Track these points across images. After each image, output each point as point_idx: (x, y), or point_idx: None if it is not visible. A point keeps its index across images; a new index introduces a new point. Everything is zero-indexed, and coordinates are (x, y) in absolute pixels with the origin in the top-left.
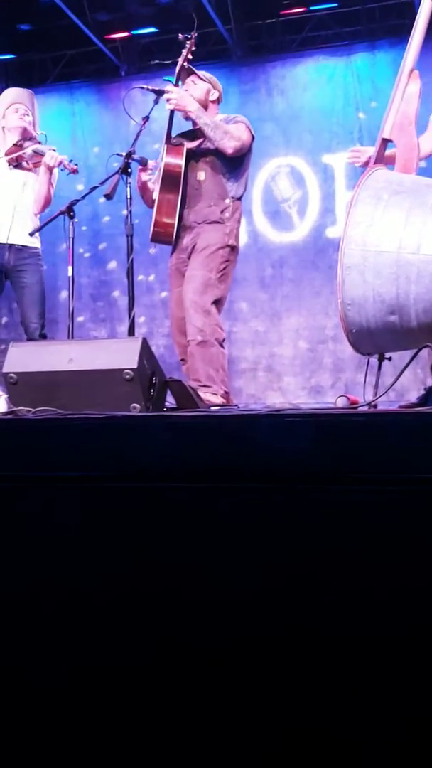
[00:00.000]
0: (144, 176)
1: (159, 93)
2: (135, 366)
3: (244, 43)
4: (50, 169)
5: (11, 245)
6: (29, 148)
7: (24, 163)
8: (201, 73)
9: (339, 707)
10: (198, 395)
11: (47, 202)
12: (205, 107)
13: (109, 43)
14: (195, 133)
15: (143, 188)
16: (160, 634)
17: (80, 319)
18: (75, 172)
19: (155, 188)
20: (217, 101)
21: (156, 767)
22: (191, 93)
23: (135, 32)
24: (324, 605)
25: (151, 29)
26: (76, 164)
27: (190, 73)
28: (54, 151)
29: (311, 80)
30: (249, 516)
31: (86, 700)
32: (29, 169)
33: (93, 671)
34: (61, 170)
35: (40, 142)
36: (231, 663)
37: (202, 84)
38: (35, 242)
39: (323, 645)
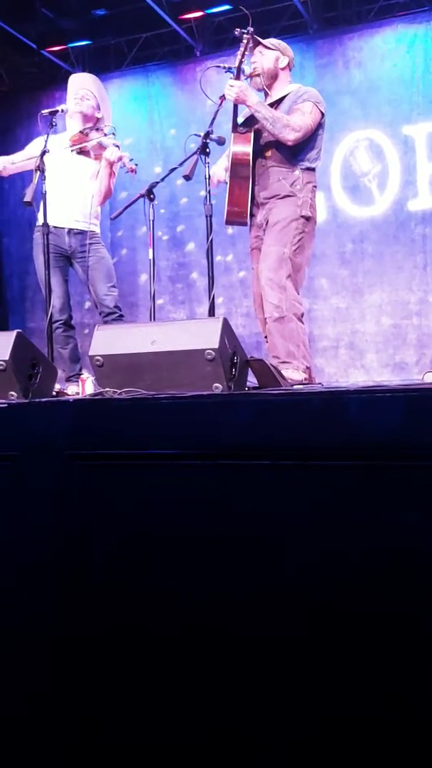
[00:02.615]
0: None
1: (232, 73)
2: (216, 346)
3: (320, 16)
4: (111, 164)
5: (71, 230)
6: (94, 140)
7: (88, 152)
8: (268, 41)
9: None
10: (280, 374)
11: (107, 195)
12: (275, 75)
13: (183, 23)
14: None
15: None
16: (247, 612)
17: (160, 301)
18: (133, 172)
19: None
20: (288, 67)
21: None
22: (260, 63)
23: (209, 11)
24: (422, 586)
25: (225, 7)
26: (136, 164)
27: (257, 43)
28: (117, 147)
29: (390, 50)
30: (338, 494)
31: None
32: (93, 158)
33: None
34: (120, 167)
35: (106, 134)
36: (333, 647)
37: (270, 52)
38: (95, 227)
39: None
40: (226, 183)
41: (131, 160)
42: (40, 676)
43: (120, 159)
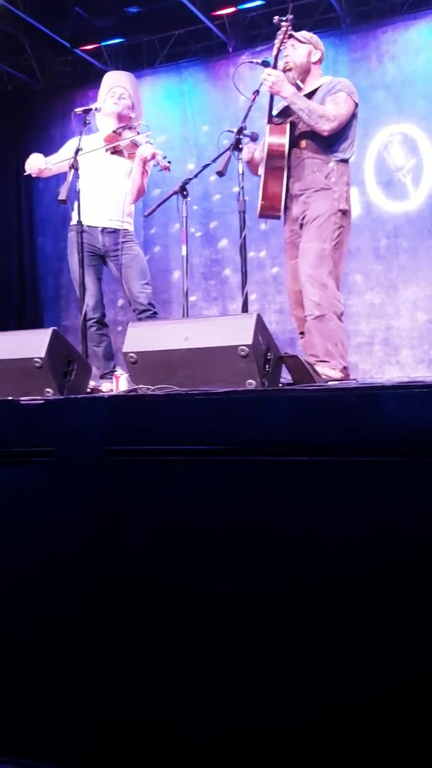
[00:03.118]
0: (253, 151)
1: (268, 66)
2: (250, 342)
3: (353, 10)
4: (144, 162)
5: (104, 228)
6: (127, 139)
7: (121, 151)
8: (300, 34)
9: None
10: (314, 370)
11: (140, 193)
12: (308, 70)
13: (215, 19)
14: None
15: (252, 163)
16: (280, 606)
17: (192, 298)
18: (167, 169)
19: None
20: (320, 61)
21: None
22: (293, 57)
23: (241, 7)
24: None
25: (258, 2)
26: (170, 162)
27: (290, 37)
28: (150, 144)
29: (424, 43)
30: (374, 490)
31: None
32: (127, 157)
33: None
34: (154, 165)
35: (139, 132)
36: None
37: (302, 46)
38: (128, 225)
39: None
40: (260, 175)
41: (165, 157)
42: (70, 674)
43: (153, 156)
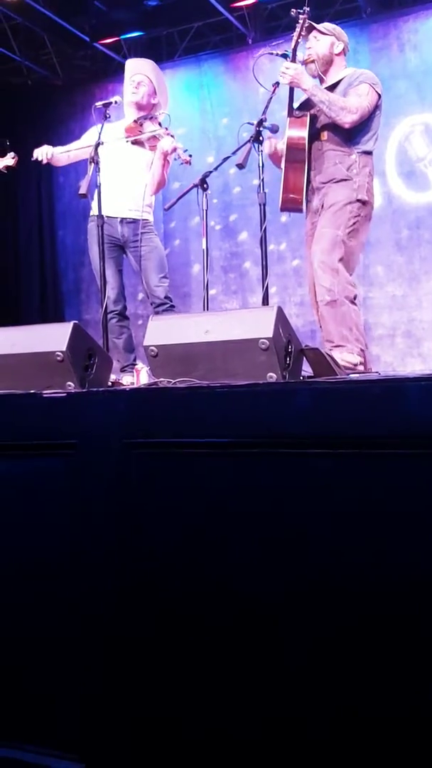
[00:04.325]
0: (275, 144)
1: (287, 57)
2: (271, 335)
3: None
4: (165, 155)
5: (123, 219)
6: (147, 132)
7: (142, 142)
8: (323, 26)
9: None
10: (336, 362)
11: (161, 185)
12: (330, 61)
13: (235, 11)
14: None
15: (274, 156)
16: (304, 601)
17: (212, 291)
18: (188, 163)
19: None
20: (343, 52)
21: None
22: (315, 49)
23: None
24: None
25: None
26: (191, 155)
27: (312, 29)
28: (172, 137)
29: None
30: (397, 483)
31: None
32: (148, 148)
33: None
34: (174, 159)
35: (161, 123)
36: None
37: (324, 38)
38: (148, 215)
39: None
40: (281, 169)
41: (185, 150)
42: (93, 673)
43: (174, 150)
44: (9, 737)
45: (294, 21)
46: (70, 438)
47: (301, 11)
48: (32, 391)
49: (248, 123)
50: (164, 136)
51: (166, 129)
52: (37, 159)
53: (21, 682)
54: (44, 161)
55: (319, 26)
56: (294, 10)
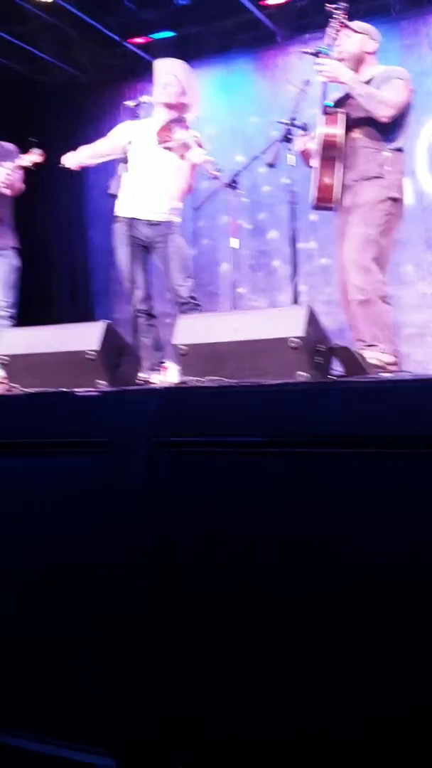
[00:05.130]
0: (306, 142)
1: (322, 55)
2: (301, 334)
3: None
4: (194, 166)
5: (148, 221)
6: (177, 139)
7: (172, 149)
8: (355, 24)
9: None
10: (366, 361)
11: (188, 192)
12: (362, 60)
13: (265, 9)
14: (348, 95)
15: (305, 154)
16: (339, 601)
17: (240, 290)
18: (216, 178)
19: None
20: (374, 52)
21: None
22: (345, 47)
23: None
24: None
25: None
26: (220, 169)
27: (344, 26)
28: (201, 149)
29: None
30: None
31: None
32: (177, 157)
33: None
34: (203, 173)
35: (188, 127)
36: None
37: (356, 36)
38: (173, 216)
39: None
40: (311, 167)
41: (214, 164)
42: (123, 672)
43: (205, 162)
44: (43, 733)
45: (328, 17)
46: (101, 436)
47: (338, 6)
48: (64, 390)
49: (278, 121)
50: (194, 146)
51: (196, 137)
52: (65, 166)
53: (53, 680)
54: (73, 167)
55: (352, 24)
56: (330, 5)
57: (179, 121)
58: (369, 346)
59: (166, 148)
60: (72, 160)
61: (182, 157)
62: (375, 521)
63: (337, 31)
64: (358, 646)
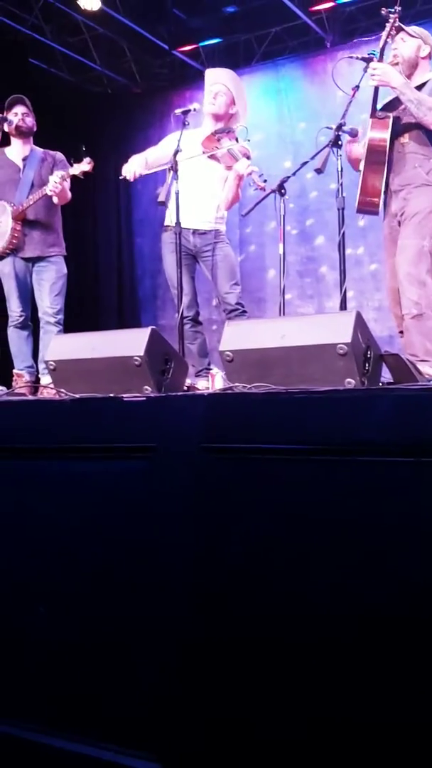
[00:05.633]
0: (354, 148)
1: (368, 61)
2: (349, 340)
3: None
4: (240, 177)
5: (195, 230)
6: (224, 148)
7: (218, 158)
8: (411, 28)
9: None
10: (417, 368)
11: (234, 202)
12: (415, 65)
13: (313, 15)
14: (399, 100)
15: (354, 159)
16: (387, 612)
17: (288, 296)
18: (262, 189)
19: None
20: (429, 57)
21: None
22: (401, 51)
23: (340, 1)
24: None
25: None
26: (266, 180)
27: (399, 30)
28: (248, 160)
29: None
30: None
31: None
32: (224, 167)
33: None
34: (249, 184)
35: (237, 138)
36: None
37: (411, 41)
38: (220, 226)
39: None
40: (360, 171)
41: (261, 175)
42: (169, 675)
43: (251, 174)
44: (88, 736)
45: (377, 22)
46: (148, 441)
47: (392, 10)
48: (111, 395)
49: (326, 127)
50: (241, 157)
51: (243, 147)
52: (125, 178)
53: (100, 683)
54: (132, 179)
55: (408, 29)
56: (384, 10)
57: (228, 132)
58: (421, 361)
59: (212, 157)
60: (130, 171)
61: (229, 167)
62: (428, 530)
63: (392, 35)
64: (422, 653)
